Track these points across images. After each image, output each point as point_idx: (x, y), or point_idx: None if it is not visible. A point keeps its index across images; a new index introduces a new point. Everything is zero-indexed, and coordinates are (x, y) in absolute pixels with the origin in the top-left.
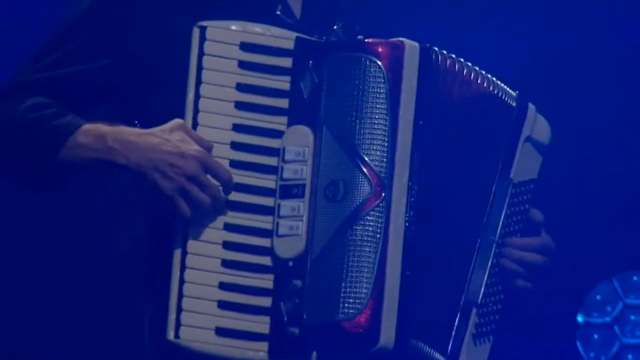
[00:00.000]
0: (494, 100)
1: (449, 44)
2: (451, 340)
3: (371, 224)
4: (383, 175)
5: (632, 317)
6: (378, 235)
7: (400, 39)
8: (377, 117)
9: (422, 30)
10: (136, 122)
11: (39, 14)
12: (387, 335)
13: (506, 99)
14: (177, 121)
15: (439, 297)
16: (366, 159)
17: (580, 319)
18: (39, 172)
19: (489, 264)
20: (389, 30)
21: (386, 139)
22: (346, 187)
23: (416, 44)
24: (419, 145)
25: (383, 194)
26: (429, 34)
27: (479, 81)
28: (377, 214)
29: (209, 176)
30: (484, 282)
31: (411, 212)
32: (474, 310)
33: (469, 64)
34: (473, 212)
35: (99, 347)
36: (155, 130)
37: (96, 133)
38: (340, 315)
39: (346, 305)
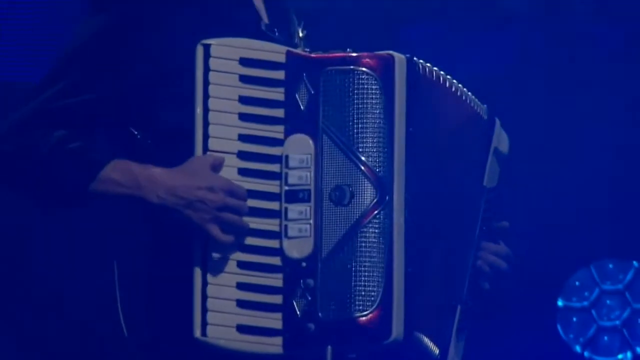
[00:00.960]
0: (468, 111)
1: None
2: (442, 333)
3: (378, 225)
4: (385, 179)
5: (608, 302)
6: (384, 236)
7: (389, 51)
8: (375, 125)
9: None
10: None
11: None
12: (398, 328)
13: (478, 110)
14: (198, 157)
15: (433, 292)
16: (369, 164)
17: (560, 303)
18: (66, 201)
19: (470, 263)
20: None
21: (384, 145)
22: (352, 192)
23: (403, 56)
24: (410, 151)
25: (387, 197)
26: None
27: (453, 90)
28: (383, 216)
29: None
30: (467, 280)
31: (407, 213)
32: (459, 307)
33: (443, 72)
34: (458, 214)
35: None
36: (182, 168)
37: (127, 169)
38: (355, 312)
39: (360, 302)
